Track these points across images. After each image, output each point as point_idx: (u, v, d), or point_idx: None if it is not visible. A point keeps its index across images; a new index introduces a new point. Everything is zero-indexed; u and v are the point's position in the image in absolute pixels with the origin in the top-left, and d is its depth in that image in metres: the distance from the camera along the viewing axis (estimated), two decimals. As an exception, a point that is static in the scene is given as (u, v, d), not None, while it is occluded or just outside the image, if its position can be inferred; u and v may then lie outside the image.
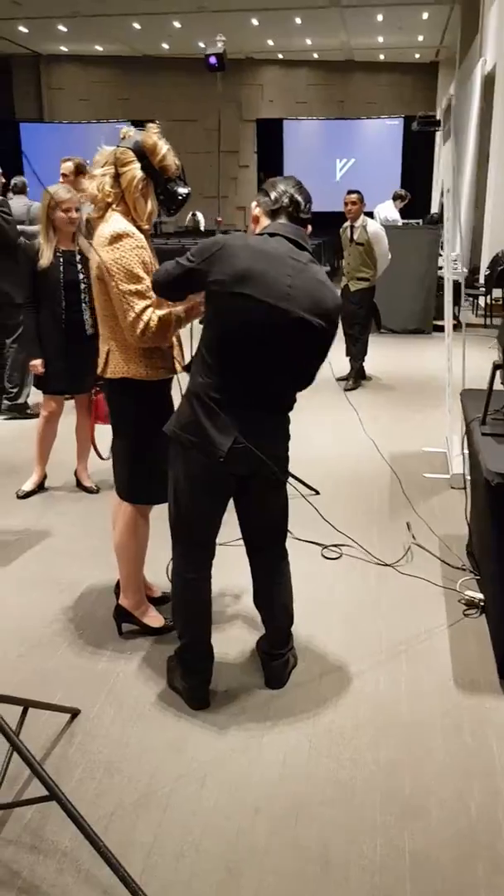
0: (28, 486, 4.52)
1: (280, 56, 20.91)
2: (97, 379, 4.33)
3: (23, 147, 20.55)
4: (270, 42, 18.09)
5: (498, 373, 3.04)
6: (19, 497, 4.47)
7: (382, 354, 8.07)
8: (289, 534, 3.89)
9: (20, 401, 6.15)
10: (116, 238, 2.62)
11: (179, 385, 2.93)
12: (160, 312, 2.68)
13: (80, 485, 4.62)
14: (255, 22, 17.64)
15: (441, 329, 9.55)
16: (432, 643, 3.05)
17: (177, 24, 18.30)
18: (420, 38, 19.66)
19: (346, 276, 7.04)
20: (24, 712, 2.33)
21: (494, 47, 11.51)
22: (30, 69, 22.25)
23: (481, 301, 11.04)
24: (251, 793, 2.30)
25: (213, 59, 3.72)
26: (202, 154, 17.55)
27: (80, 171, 5.32)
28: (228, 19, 17.41)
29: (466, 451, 3.67)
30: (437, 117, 15.98)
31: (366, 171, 19.75)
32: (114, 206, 2.73)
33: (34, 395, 6.09)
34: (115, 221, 2.68)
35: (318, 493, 4.54)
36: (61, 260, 4.18)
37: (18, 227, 6.31)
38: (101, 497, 4.50)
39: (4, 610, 3.30)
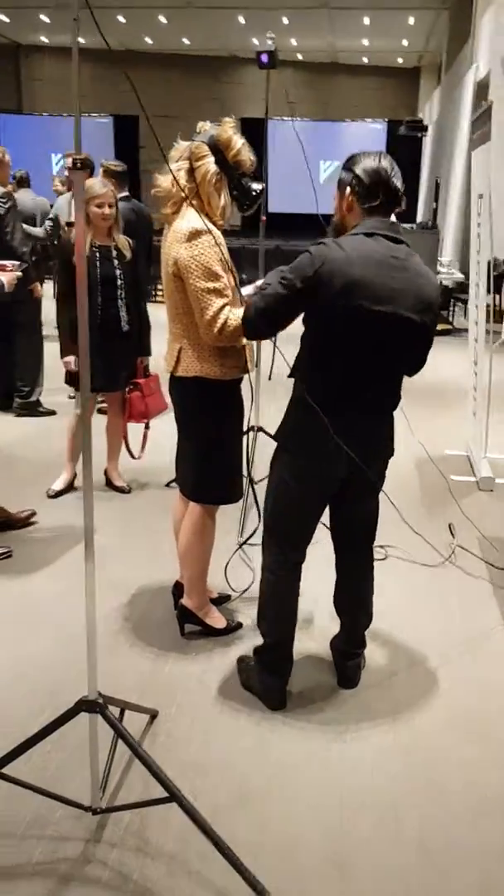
0: (59, 484, 4.47)
1: (266, 55, 20.96)
2: (130, 376, 4.37)
3: (0, 139, 20.30)
4: (255, 41, 18.07)
5: None
6: (50, 496, 4.41)
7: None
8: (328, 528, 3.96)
9: (32, 398, 6.07)
10: (195, 235, 2.60)
11: (251, 384, 2.93)
12: (237, 311, 2.68)
13: (110, 484, 4.58)
14: (241, 20, 17.64)
15: (444, 333, 9.65)
16: (494, 642, 3.09)
17: (162, 20, 18.22)
18: (405, 42, 19.83)
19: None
20: (122, 714, 2.31)
21: (488, 54, 11.63)
22: (9, 59, 22.01)
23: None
24: (345, 790, 2.31)
25: (264, 57, 3.70)
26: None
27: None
28: (215, 16, 17.39)
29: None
30: (424, 122, 16.14)
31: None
32: (188, 201, 2.71)
33: (46, 394, 6.05)
34: (192, 218, 2.65)
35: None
36: (97, 255, 4.13)
37: (25, 226, 6.22)
38: (134, 496, 4.47)
39: (60, 612, 3.26)
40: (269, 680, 2.69)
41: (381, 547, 3.89)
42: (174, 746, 2.48)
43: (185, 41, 20.27)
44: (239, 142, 2.69)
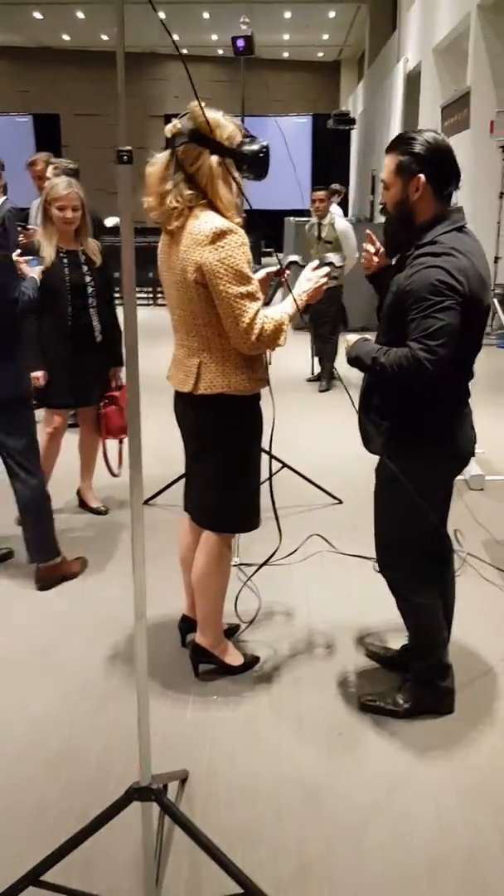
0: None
1: (184, 51, 20.60)
2: (104, 389, 4.04)
3: None
4: (176, 36, 17.70)
5: None
6: (19, 524, 4.04)
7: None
8: (332, 549, 3.73)
9: None
10: (220, 235, 2.31)
11: (271, 396, 2.66)
12: (271, 313, 2.41)
13: (84, 505, 4.24)
14: (161, 15, 17.27)
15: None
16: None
17: (80, 15, 17.71)
18: (325, 36, 19.81)
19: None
20: (165, 789, 2.00)
21: (418, 46, 11.62)
22: None
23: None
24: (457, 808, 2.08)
25: (240, 42, 3.44)
26: (107, 150, 17.04)
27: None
28: (133, 11, 16.91)
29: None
30: (351, 115, 16.12)
31: (278, 170, 19.65)
32: (196, 207, 2.39)
33: None
34: (211, 217, 2.36)
35: (340, 501, 4.35)
36: (65, 261, 3.79)
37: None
38: (112, 517, 4.15)
39: (51, 663, 2.93)
40: (447, 686, 2.61)
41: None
42: (216, 812, 2.19)
43: (104, 37, 19.75)
44: (220, 116, 2.40)
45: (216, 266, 2.30)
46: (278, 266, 2.69)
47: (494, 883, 1.97)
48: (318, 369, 7.02)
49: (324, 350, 6.87)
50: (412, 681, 2.63)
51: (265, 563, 3.23)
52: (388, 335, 2.34)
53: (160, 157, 2.42)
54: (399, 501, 2.39)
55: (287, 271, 2.66)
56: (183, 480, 2.84)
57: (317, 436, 5.50)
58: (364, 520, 4.06)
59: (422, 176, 2.20)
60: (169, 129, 2.39)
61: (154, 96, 20.69)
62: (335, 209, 10.51)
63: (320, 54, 21.98)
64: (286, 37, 19.71)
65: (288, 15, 17.76)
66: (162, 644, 2.99)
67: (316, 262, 2.51)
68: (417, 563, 2.50)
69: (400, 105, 12.34)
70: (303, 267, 2.98)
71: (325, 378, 6.86)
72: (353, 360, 2.35)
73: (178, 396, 2.64)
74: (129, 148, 1.49)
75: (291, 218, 9.83)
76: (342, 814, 2.19)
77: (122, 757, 2.38)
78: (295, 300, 2.51)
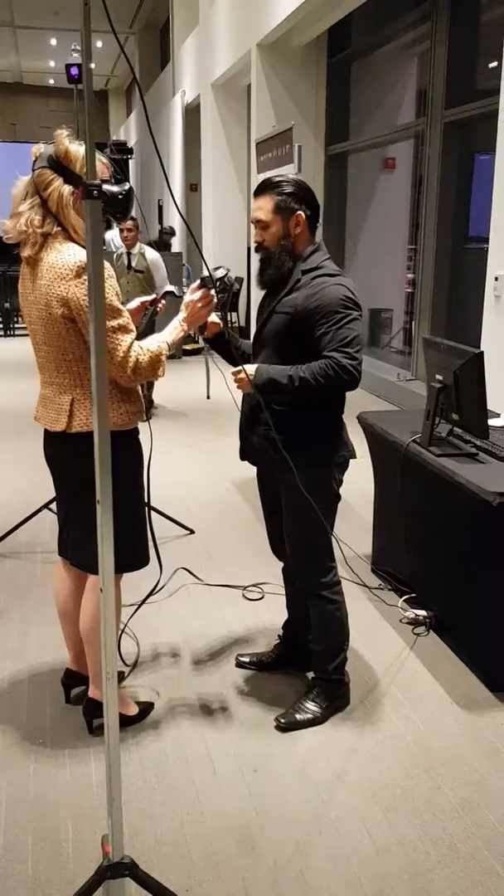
0: None
1: None
2: None
3: None
4: None
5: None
6: None
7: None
8: (199, 581, 3.68)
9: None
10: (84, 269, 2.22)
11: (150, 428, 2.59)
12: (148, 344, 2.35)
13: None
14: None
15: (192, 354, 9.64)
16: (409, 670, 3.01)
17: None
18: (92, 65, 19.75)
19: (122, 304, 6.78)
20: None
21: (195, 79, 11.92)
22: None
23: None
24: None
25: (74, 70, 3.31)
26: None
27: None
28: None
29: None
30: (129, 144, 16.20)
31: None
32: (52, 235, 2.32)
33: None
34: (73, 250, 2.28)
35: (192, 532, 4.29)
36: None
37: None
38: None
39: None
40: (348, 680, 2.77)
41: (255, 586, 3.69)
42: (153, 876, 2.05)
43: None
44: (80, 150, 2.34)
45: (84, 300, 2.22)
46: (154, 296, 2.64)
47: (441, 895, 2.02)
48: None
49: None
50: (321, 683, 2.72)
51: (143, 602, 3.11)
52: (276, 357, 2.46)
53: (23, 179, 2.35)
54: (309, 506, 2.48)
55: (162, 301, 2.61)
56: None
57: (155, 466, 5.40)
58: (218, 548, 4.08)
59: (301, 213, 2.43)
60: (33, 151, 2.35)
61: None
62: (114, 233, 10.49)
63: (87, 83, 21.91)
64: (52, 63, 19.44)
65: (54, 42, 17.55)
66: (44, 706, 2.77)
67: (197, 283, 2.48)
68: (331, 561, 2.64)
69: (180, 136, 12.58)
70: (179, 297, 2.92)
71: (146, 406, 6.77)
72: (266, 384, 2.38)
73: (50, 436, 2.50)
74: (98, 182, 1.38)
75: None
76: (279, 852, 2.14)
77: (29, 836, 2.17)
78: (168, 338, 2.47)
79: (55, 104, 22.04)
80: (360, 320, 2.35)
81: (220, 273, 2.45)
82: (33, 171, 2.32)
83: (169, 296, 2.90)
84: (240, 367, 2.41)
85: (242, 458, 2.69)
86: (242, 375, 2.40)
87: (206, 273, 2.41)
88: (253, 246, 2.56)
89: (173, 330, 2.46)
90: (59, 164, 2.28)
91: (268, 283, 2.53)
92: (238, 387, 2.46)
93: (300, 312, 2.38)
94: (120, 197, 2.48)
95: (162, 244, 10.40)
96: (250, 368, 2.40)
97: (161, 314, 2.61)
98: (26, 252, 2.33)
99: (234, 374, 2.44)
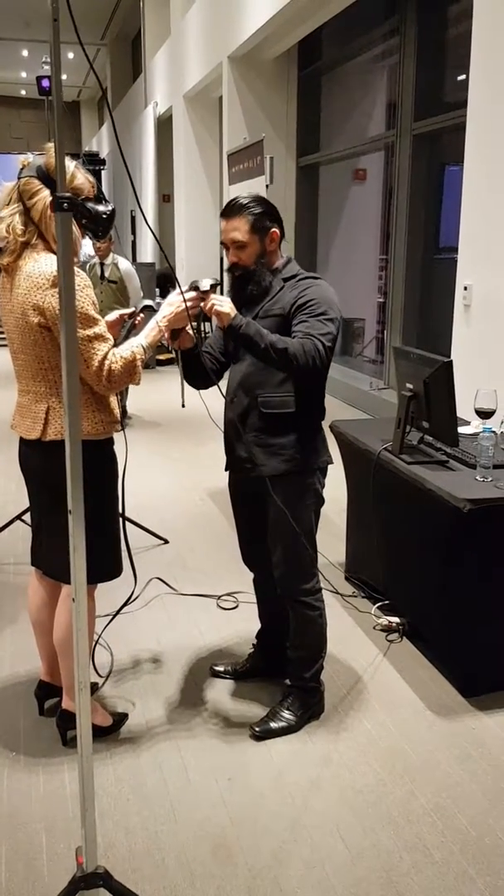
0: None
1: None
2: None
3: None
4: None
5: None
6: None
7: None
8: (173, 591, 3.67)
9: None
10: None
11: (125, 437, 2.59)
12: (121, 351, 2.35)
13: None
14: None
15: (166, 363, 9.63)
16: (382, 676, 3.03)
17: None
18: (64, 76, 19.76)
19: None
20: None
21: (167, 90, 11.96)
22: None
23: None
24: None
25: (45, 83, 3.32)
26: None
27: None
28: None
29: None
30: (101, 155, 16.23)
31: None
32: (31, 244, 2.34)
33: None
34: (51, 260, 2.29)
35: (167, 541, 4.29)
36: None
37: None
38: None
39: None
40: (323, 688, 2.79)
41: (230, 595, 3.69)
42: (130, 886, 2.04)
43: None
44: (71, 166, 2.36)
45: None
46: (132, 309, 2.66)
47: (415, 897, 2.03)
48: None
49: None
50: (297, 692, 2.73)
51: (118, 612, 3.09)
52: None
53: (7, 186, 2.38)
54: (302, 513, 2.55)
55: (140, 314, 2.61)
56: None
57: (129, 476, 5.39)
58: (192, 558, 4.08)
59: (276, 229, 2.50)
60: (21, 161, 2.37)
61: None
62: (87, 244, 10.48)
63: (59, 94, 21.89)
64: (24, 74, 19.41)
65: (25, 53, 17.53)
66: (17, 718, 2.75)
67: (190, 286, 2.47)
68: (315, 568, 2.67)
69: (152, 147, 12.61)
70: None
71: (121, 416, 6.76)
72: (241, 337, 2.33)
73: (25, 445, 2.50)
74: (68, 194, 1.39)
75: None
76: (254, 859, 2.14)
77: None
78: (143, 343, 2.47)
79: (28, 115, 22.01)
80: (337, 324, 2.41)
81: (210, 282, 2.45)
82: (19, 178, 2.34)
83: (147, 310, 2.90)
84: (222, 297, 2.41)
85: (228, 468, 2.69)
86: (219, 307, 2.33)
87: (195, 282, 2.43)
88: (226, 266, 2.58)
89: (150, 331, 2.47)
90: (48, 177, 2.31)
91: (248, 299, 2.54)
92: (206, 309, 2.38)
93: (291, 310, 2.44)
94: (104, 216, 2.48)
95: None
96: (226, 306, 2.36)
97: (139, 328, 2.62)
98: (4, 260, 2.35)
99: (205, 293, 2.39)
